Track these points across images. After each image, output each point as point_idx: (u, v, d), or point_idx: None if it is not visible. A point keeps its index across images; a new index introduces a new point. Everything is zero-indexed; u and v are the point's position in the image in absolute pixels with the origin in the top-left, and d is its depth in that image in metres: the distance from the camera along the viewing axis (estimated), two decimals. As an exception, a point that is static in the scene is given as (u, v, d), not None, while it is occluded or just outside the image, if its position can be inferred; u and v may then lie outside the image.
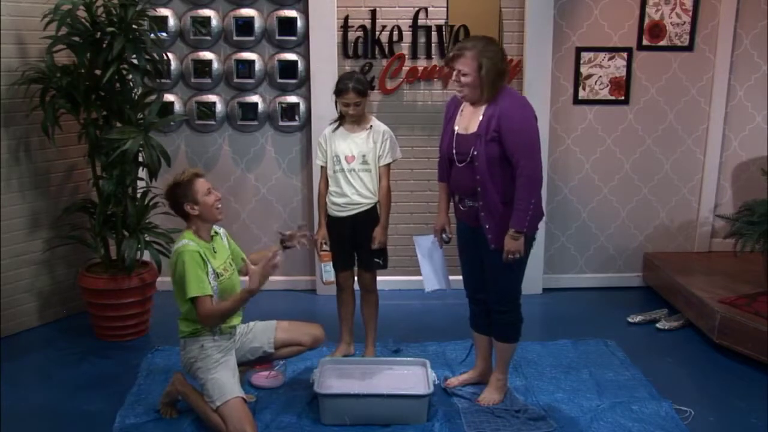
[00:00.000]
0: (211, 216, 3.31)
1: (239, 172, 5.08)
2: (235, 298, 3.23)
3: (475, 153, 3.22)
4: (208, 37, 4.84)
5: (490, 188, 3.22)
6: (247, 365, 3.57)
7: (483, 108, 3.24)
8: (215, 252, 3.33)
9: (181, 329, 3.33)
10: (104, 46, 4.03)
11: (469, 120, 3.30)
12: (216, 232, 3.43)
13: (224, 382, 3.21)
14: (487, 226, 3.27)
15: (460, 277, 3.62)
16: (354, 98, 3.65)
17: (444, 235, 3.59)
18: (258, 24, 4.83)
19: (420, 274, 3.65)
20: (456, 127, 3.34)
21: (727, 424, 3.46)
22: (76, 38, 4.04)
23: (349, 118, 3.74)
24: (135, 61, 4.12)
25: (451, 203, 3.55)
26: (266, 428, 3.31)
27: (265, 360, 3.58)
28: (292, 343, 3.52)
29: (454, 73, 3.23)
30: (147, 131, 4.15)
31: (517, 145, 3.17)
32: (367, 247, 3.81)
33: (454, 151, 3.32)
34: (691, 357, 4.19)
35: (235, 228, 5.14)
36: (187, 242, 3.23)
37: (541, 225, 3.52)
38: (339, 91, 3.68)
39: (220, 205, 3.32)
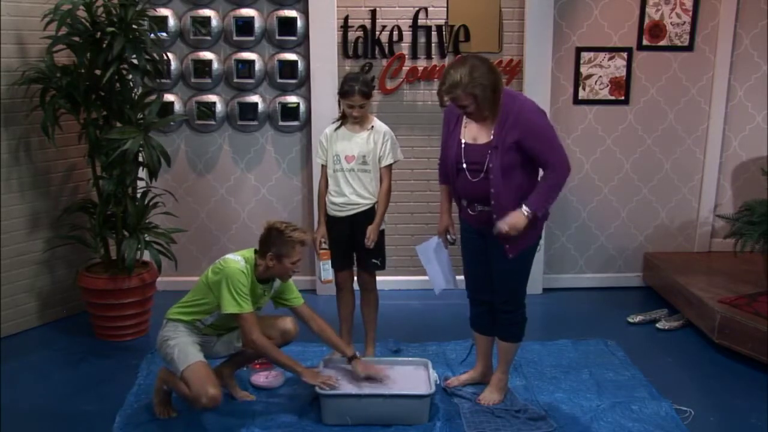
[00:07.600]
0: (278, 276, 3.37)
1: (239, 172, 5.08)
2: (287, 360, 3.32)
3: (491, 165, 3.18)
4: (208, 37, 4.84)
5: (505, 197, 3.19)
6: (229, 367, 3.55)
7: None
8: (259, 296, 3.35)
9: (176, 311, 3.35)
10: (104, 46, 4.03)
11: (478, 130, 3.24)
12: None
13: (189, 351, 3.24)
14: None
15: (461, 277, 3.62)
16: (359, 100, 3.65)
17: (449, 236, 3.60)
18: (258, 24, 4.83)
19: (420, 277, 3.64)
20: (463, 139, 3.29)
21: (727, 424, 3.46)
22: (76, 38, 4.04)
23: (353, 119, 3.74)
24: (135, 61, 4.11)
25: (454, 204, 3.54)
26: (266, 428, 3.30)
27: (241, 356, 3.56)
28: None
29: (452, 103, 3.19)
30: (147, 131, 4.15)
31: (541, 146, 3.15)
32: (365, 248, 3.81)
33: (464, 163, 3.28)
34: (691, 357, 4.19)
35: (235, 228, 5.15)
36: (241, 262, 3.24)
37: (542, 225, 3.52)
38: (344, 93, 3.68)
39: (292, 274, 3.37)
